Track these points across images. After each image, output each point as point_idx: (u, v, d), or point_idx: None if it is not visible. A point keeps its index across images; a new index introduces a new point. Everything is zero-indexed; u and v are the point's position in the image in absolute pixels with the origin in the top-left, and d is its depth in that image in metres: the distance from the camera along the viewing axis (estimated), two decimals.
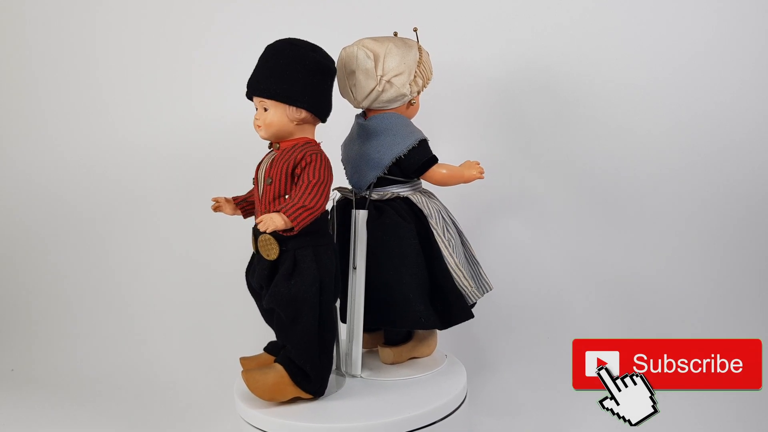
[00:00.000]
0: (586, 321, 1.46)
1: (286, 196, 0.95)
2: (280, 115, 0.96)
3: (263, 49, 0.99)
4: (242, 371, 0.97)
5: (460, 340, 1.41)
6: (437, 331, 1.15)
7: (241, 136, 1.53)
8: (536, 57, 1.48)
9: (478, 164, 1.11)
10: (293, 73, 0.96)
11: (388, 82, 1.04)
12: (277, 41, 0.98)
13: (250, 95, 0.99)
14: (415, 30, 1.10)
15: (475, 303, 1.08)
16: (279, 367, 0.96)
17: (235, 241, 1.51)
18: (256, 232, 0.98)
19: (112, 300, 1.59)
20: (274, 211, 0.90)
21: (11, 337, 1.58)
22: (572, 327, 1.45)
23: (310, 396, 0.97)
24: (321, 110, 0.99)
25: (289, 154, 0.95)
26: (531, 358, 1.41)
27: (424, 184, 1.12)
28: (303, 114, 0.97)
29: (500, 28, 1.49)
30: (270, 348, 1.06)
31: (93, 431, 1.19)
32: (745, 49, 1.43)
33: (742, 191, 1.44)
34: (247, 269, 1.04)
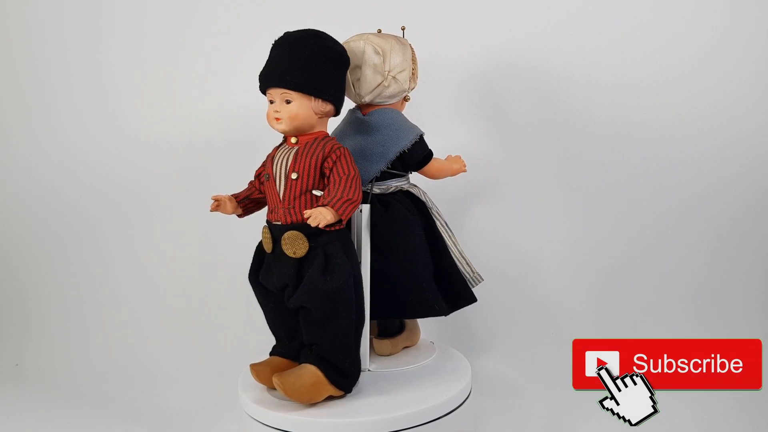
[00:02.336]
0: (585, 320, 1.46)
1: (314, 191, 0.94)
2: (305, 107, 0.94)
3: (279, 39, 0.97)
4: (274, 376, 0.93)
5: (455, 341, 1.42)
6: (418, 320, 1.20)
7: (244, 130, 1.54)
8: (518, 53, 1.48)
9: (460, 158, 1.18)
10: (320, 65, 0.95)
11: (394, 78, 1.06)
12: (296, 31, 0.97)
13: (270, 87, 0.96)
14: (403, 28, 1.12)
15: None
16: (312, 368, 0.94)
17: (237, 239, 1.52)
18: (275, 230, 0.96)
19: (115, 296, 1.59)
20: (320, 206, 0.89)
21: (16, 333, 1.59)
22: (571, 325, 1.45)
23: (342, 393, 0.96)
24: (341, 103, 1.00)
25: (314, 148, 0.94)
26: (529, 355, 1.41)
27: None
28: (328, 107, 0.97)
29: (481, 25, 1.49)
30: (281, 351, 1.02)
31: (96, 427, 1.20)
32: (731, 48, 1.43)
33: (742, 191, 1.44)
34: (253, 270, 1.01)
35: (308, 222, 0.88)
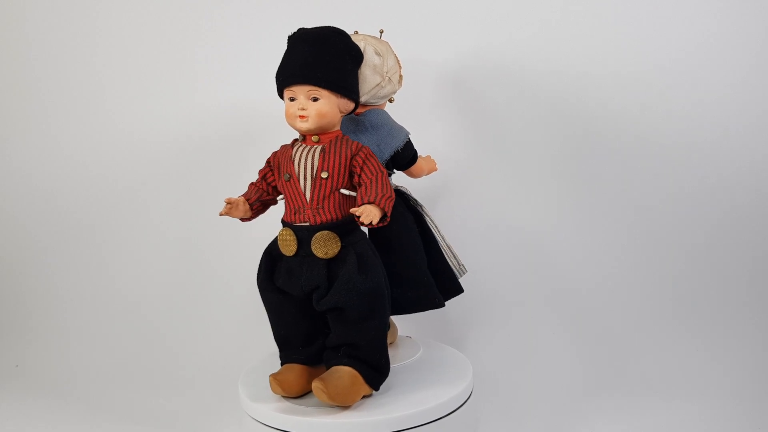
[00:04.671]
0: (584, 319, 1.46)
1: (342, 190, 0.93)
2: (333, 105, 0.93)
3: (300, 35, 0.95)
4: (314, 382, 0.90)
5: (451, 339, 1.42)
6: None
7: (243, 128, 1.54)
8: (498, 52, 1.46)
9: (431, 157, 1.23)
10: (346, 64, 0.95)
11: (389, 79, 1.09)
12: (318, 28, 0.96)
13: (297, 83, 0.93)
14: (381, 31, 1.13)
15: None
16: (348, 369, 0.92)
17: (237, 239, 1.52)
18: (300, 232, 0.93)
19: (115, 297, 1.59)
20: (368, 203, 0.88)
21: (16, 334, 1.59)
22: (568, 325, 1.45)
23: (371, 391, 0.95)
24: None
25: (340, 147, 0.94)
26: (529, 354, 1.41)
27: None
28: (351, 105, 0.97)
29: (459, 25, 1.48)
30: (299, 358, 0.98)
31: (96, 429, 1.20)
32: (729, 45, 1.42)
33: (744, 189, 1.44)
34: (266, 276, 0.97)
35: (361, 220, 0.87)
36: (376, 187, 0.90)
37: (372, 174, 0.92)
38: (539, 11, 1.44)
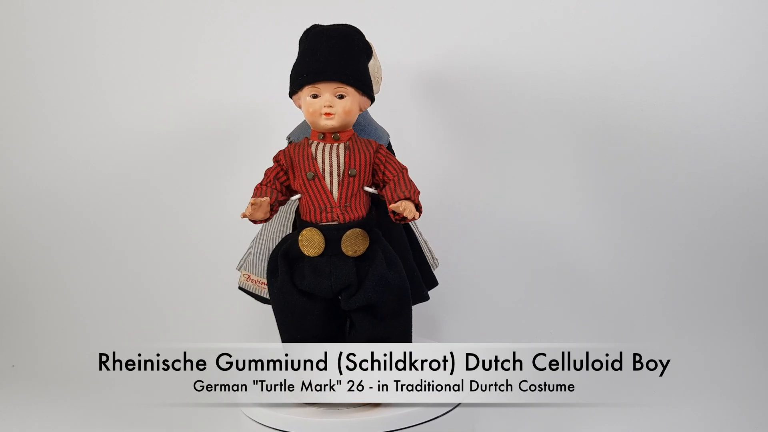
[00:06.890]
0: (579, 320, 1.45)
1: (367, 188, 0.94)
2: (356, 103, 0.95)
3: (324, 33, 0.95)
4: None
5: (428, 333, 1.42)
6: None
7: (247, 125, 1.53)
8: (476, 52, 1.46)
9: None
10: (365, 62, 0.97)
11: (377, 80, 1.10)
12: (339, 25, 0.97)
13: (326, 80, 0.92)
14: None
15: None
16: None
17: (242, 237, 1.51)
18: (329, 231, 0.92)
19: (114, 294, 1.58)
20: (405, 199, 0.88)
21: (12, 334, 1.58)
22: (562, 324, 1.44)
23: None
24: None
25: (362, 145, 0.95)
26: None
27: None
28: (368, 104, 0.98)
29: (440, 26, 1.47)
30: None
31: (94, 429, 1.19)
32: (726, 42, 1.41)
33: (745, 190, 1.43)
34: (287, 279, 0.95)
35: (404, 215, 0.87)
36: (405, 182, 0.92)
37: (396, 171, 0.94)
38: (534, 12, 1.44)
